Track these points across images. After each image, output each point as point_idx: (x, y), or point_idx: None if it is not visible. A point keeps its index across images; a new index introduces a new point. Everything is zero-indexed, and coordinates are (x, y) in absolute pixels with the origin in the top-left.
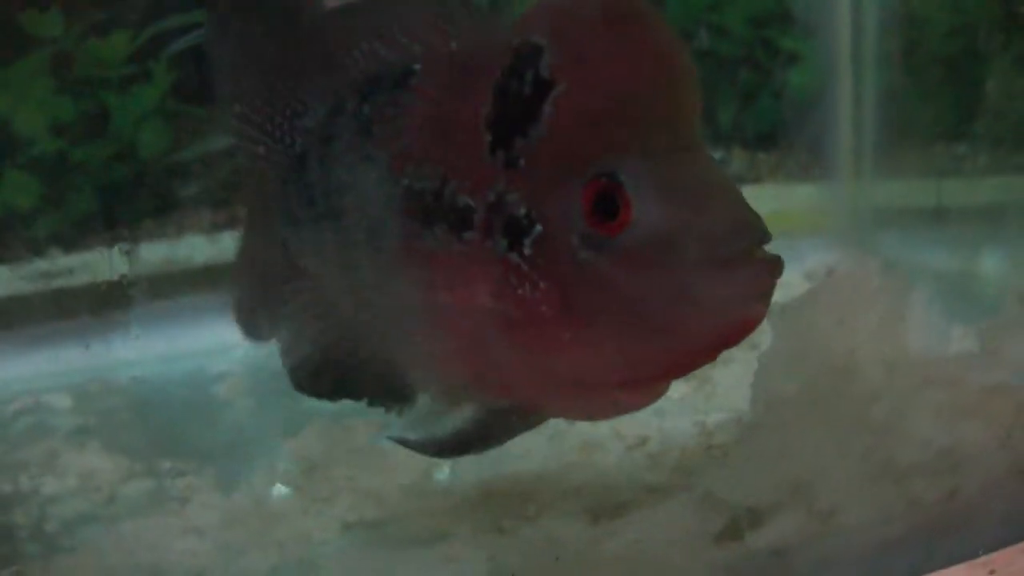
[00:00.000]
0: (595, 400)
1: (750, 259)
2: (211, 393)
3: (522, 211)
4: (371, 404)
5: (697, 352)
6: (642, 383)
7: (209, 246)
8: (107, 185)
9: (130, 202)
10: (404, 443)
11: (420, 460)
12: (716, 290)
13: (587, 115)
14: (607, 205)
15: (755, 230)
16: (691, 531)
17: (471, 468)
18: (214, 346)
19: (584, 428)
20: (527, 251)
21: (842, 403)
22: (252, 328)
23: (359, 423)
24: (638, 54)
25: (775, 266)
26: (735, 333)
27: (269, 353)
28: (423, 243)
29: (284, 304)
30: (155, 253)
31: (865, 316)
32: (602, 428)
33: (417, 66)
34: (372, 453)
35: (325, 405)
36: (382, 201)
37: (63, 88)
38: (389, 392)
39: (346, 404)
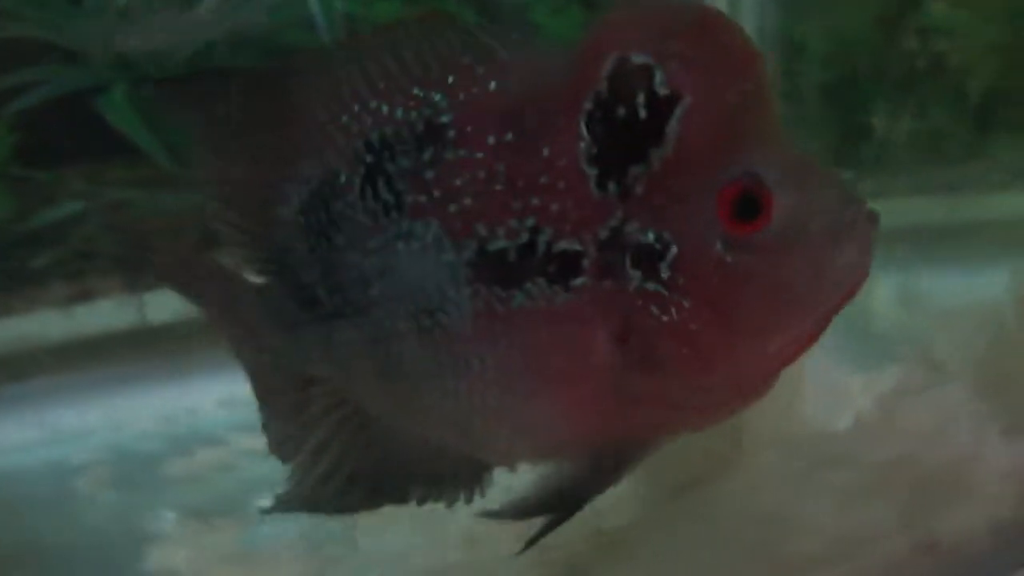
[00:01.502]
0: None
1: (860, 220)
2: (72, 487)
3: (650, 237)
4: (422, 502)
5: (828, 315)
6: (778, 361)
7: (64, 321)
8: None
9: None
10: (491, 515)
11: (301, 567)
12: (843, 256)
13: (716, 123)
14: (748, 204)
15: (854, 193)
16: None
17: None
18: (73, 432)
19: (463, 517)
20: (665, 275)
21: (729, 491)
22: (281, 450)
23: (227, 522)
24: (741, 56)
25: (874, 218)
26: (854, 289)
27: (131, 437)
28: (509, 307)
29: (294, 418)
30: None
31: None
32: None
33: (446, 117)
34: (244, 558)
35: (190, 498)
36: (437, 275)
37: None
38: (454, 480)
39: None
